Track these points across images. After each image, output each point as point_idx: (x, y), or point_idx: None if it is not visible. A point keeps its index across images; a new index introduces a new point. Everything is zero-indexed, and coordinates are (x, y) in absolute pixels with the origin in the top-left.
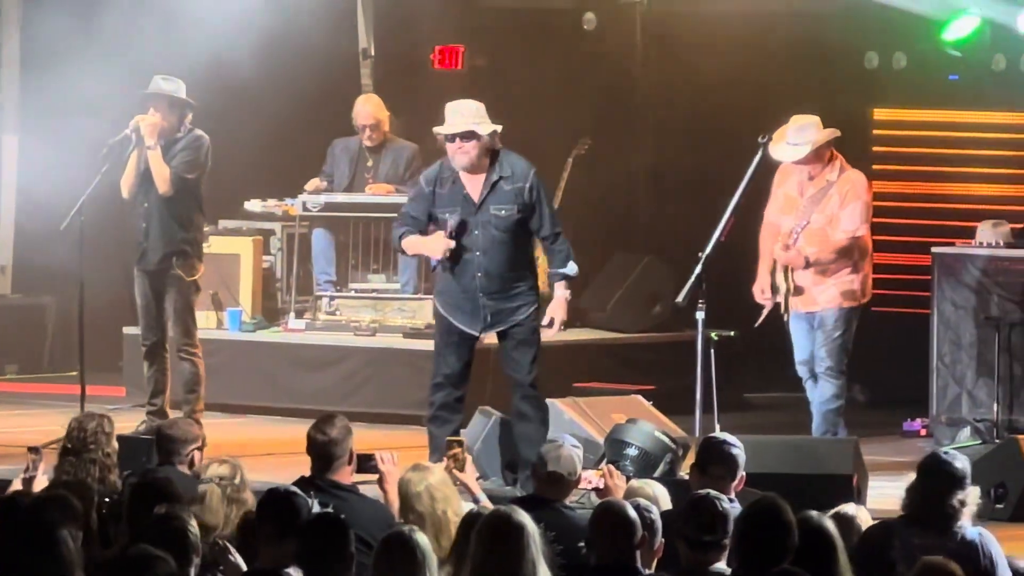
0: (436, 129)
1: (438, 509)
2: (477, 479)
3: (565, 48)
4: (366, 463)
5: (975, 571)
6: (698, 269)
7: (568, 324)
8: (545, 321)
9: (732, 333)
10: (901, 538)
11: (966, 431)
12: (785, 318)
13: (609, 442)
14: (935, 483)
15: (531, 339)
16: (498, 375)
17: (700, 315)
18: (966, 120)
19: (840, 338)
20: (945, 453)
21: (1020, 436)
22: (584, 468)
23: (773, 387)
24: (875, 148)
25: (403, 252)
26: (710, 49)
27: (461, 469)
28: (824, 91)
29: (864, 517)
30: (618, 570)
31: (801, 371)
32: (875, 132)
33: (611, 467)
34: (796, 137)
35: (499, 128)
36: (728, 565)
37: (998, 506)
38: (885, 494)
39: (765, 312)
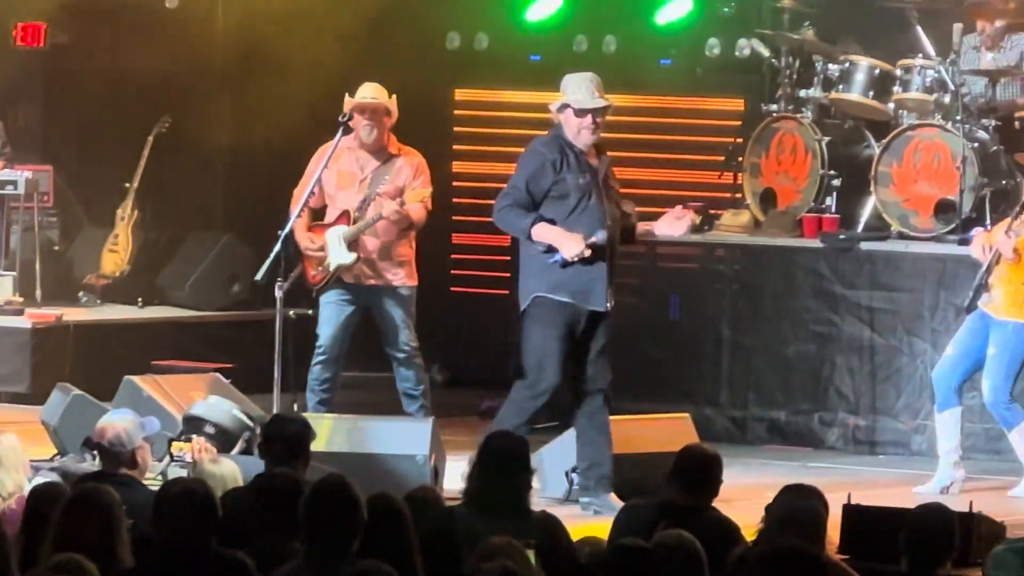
0: (579, 103)
1: None
2: (55, 456)
3: (147, 25)
4: None
5: (549, 551)
6: (277, 247)
7: (146, 302)
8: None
9: (310, 312)
10: (466, 523)
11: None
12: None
13: (187, 419)
14: (498, 464)
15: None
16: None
17: (279, 293)
18: (544, 101)
19: (413, 317)
20: (507, 433)
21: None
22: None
23: (355, 366)
24: (456, 128)
25: (528, 239)
26: (290, 27)
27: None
28: (405, 70)
29: (439, 497)
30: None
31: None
32: (456, 112)
33: (203, 441)
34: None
35: None
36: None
37: (574, 487)
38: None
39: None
